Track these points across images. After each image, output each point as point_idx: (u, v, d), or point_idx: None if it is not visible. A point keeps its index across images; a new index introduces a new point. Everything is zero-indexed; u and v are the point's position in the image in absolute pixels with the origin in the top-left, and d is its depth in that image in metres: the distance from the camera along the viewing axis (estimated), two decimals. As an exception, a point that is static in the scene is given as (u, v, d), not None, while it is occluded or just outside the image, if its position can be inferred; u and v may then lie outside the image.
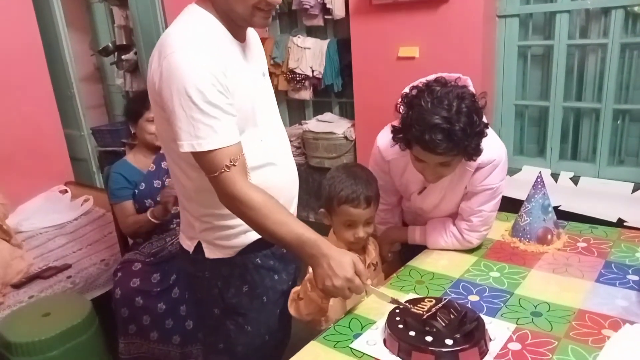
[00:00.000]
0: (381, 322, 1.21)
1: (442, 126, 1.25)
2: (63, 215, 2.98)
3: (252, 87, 1.25)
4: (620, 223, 2.03)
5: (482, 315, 1.16)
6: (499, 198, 1.55)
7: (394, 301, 1.20)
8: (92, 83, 5.01)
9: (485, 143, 1.35)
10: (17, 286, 2.22)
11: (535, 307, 1.25)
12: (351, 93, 3.15)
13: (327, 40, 3.29)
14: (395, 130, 1.40)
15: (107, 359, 2.12)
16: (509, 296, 1.31)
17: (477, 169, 1.47)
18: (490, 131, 1.38)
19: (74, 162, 3.47)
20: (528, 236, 1.60)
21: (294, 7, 3.29)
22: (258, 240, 1.30)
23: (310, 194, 3.40)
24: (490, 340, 1.12)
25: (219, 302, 1.38)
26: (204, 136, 1.10)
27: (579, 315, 1.20)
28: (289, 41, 3.40)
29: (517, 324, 1.19)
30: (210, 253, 1.33)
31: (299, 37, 3.37)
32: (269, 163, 1.30)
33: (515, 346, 1.10)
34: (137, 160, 2.22)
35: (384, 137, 1.55)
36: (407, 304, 1.19)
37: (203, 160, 1.14)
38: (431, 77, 1.43)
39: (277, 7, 1.37)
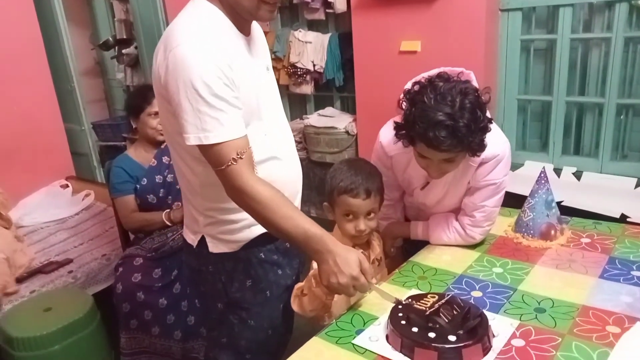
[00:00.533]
0: (384, 318, 1.20)
1: (446, 123, 1.24)
2: (64, 210, 2.98)
3: (257, 81, 1.25)
4: (623, 218, 2.03)
5: (485, 312, 1.15)
6: (502, 193, 1.54)
7: (397, 302, 1.19)
8: (92, 77, 5.00)
9: (488, 138, 1.34)
10: (19, 281, 2.22)
11: (539, 303, 1.24)
12: (352, 87, 3.14)
13: (329, 34, 3.27)
14: (398, 127, 1.39)
15: (109, 353, 2.12)
16: (512, 292, 1.31)
17: (481, 164, 1.46)
18: (493, 126, 1.37)
19: (74, 156, 3.46)
20: (531, 232, 1.59)
21: (295, 1, 3.28)
22: (262, 234, 1.30)
23: (312, 189, 3.39)
24: (494, 336, 1.11)
25: (223, 296, 1.38)
26: (210, 129, 1.10)
27: (582, 312, 1.19)
28: (290, 35, 3.39)
29: (520, 320, 1.18)
30: (214, 247, 1.32)
31: (300, 31, 3.36)
32: (273, 157, 1.30)
33: (518, 342, 1.10)
34: (138, 155, 2.21)
35: (387, 133, 1.53)
36: (410, 301, 1.18)
37: (210, 153, 1.13)
38: (433, 71, 1.42)
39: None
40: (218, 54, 1.10)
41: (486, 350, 1.06)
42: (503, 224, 1.71)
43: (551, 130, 2.63)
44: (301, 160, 1.54)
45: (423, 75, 1.42)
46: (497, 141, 1.44)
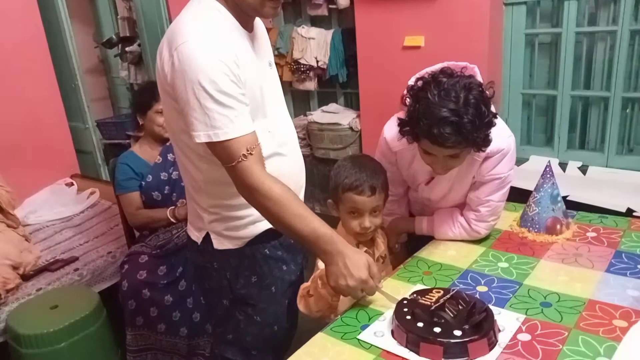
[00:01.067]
0: (389, 313, 1.20)
1: (451, 119, 1.23)
2: (69, 208, 2.99)
3: (261, 78, 1.25)
4: (629, 213, 2.02)
5: (490, 306, 1.15)
6: (507, 188, 1.53)
7: None
8: (96, 75, 5.01)
9: (493, 132, 1.33)
10: (26, 279, 2.23)
11: (545, 298, 1.24)
12: (356, 83, 3.13)
13: (332, 30, 3.27)
14: (402, 124, 1.38)
15: (115, 350, 2.13)
16: (517, 287, 1.30)
17: (486, 158, 1.45)
18: (498, 120, 1.36)
19: (79, 154, 3.47)
20: (537, 226, 1.58)
21: (298, -3, 3.27)
22: (266, 231, 1.30)
23: (316, 186, 3.39)
24: (500, 331, 1.11)
25: (228, 292, 1.38)
26: (220, 126, 1.10)
27: (589, 306, 1.19)
28: (293, 31, 3.38)
29: (526, 314, 1.18)
30: (218, 244, 1.32)
31: (303, 27, 3.35)
32: (277, 153, 1.30)
33: (524, 337, 1.09)
34: (144, 152, 2.21)
35: (391, 128, 1.52)
36: (416, 296, 1.18)
37: (219, 150, 1.13)
38: (437, 66, 1.41)
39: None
40: (224, 51, 1.09)
41: (492, 344, 1.06)
42: (508, 219, 1.70)
43: (556, 125, 2.62)
44: (305, 156, 1.54)
45: (427, 71, 1.41)
46: (501, 135, 1.43)
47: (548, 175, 1.60)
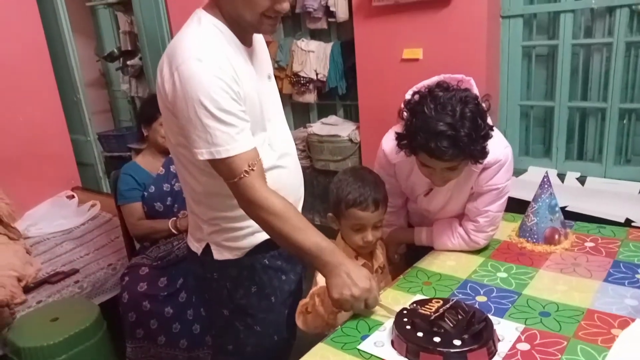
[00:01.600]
0: (389, 323, 1.20)
1: (448, 133, 1.24)
2: (70, 221, 3.00)
3: (261, 93, 1.26)
4: (628, 223, 2.02)
5: (490, 316, 1.15)
6: (505, 198, 1.55)
7: None
8: (97, 89, 5.04)
9: (490, 144, 1.34)
10: (26, 291, 2.23)
11: (544, 307, 1.25)
12: (355, 95, 3.15)
13: (331, 43, 3.30)
14: (399, 138, 1.39)
15: (115, 363, 2.13)
16: (516, 296, 1.31)
17: (483, 169, 1.47)
18: (495, 131, 1.38)
19: (80, 167, 3.48)
20: (535, 236, 1.59)
21: (297, 11, 3.30)
22: (265, 241, 1.31)
23: (316, 197, 3.40)
24: (499, 340, 1.11)
25: (228, 303, 1.39)
26: (222, 143, 1.12)
27: (587, 315, 1.19)
28: (292, 44, 3.41)
29: (525, 324, 1.18)
30: (218, 255, 1.33)
31: (302, 41, 3.38)
32: (277, 166, 1.31)
33: (524, 346, 1.10)
34: (147, 163, 2.23)
35: (389, 141, 1.54)
36: (415, 305, 1.19)
37: (222, 167, 1.15)
38: (433, 79, 1.43)
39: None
40: (223, 69, 1.12)
41: (491, 354, 1.06)
42: (507, 229, 1.71)
43: (554, 136, 2.63)
44: (304, 168, 1.56)
45: (423, 84, 1.42)
46: (498, 146, 1.44)
47: (546, 186, 1.61)
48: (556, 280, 1.38)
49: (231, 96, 1.12)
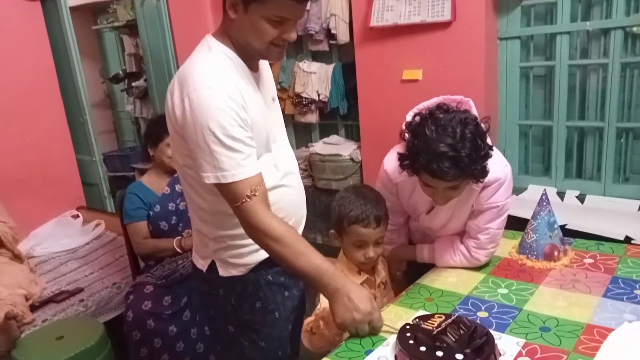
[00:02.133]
0: (392, 338, 1.23)
1: (449, 154, 1.28)
2: (75, 240, 3.01)
3: (266, 117, 1.31)
4: (627, 241, 2.04)
5: (491, 331, 1.17)
6: (505, 215, 1.58)
7: None
8: (102, 109, 5.10)
9: (490, 163, 1.38)
10: (31, 310, 2.24)
11: (544, 323, 1.27)
12: (357, 116, 3.20)
13: (332, 65, 3.36)
14: (402, 158, 1.43)
15: (119, 382, 2.13)
16: (517, 312, 1.33)
17: (483, 187, 1.50)
18: (494, 151, 1.41)
19: (85, 187, 3.51)
20: (535, 253, 1.62)
21: (299, 33, 3.37)
22: (269, 257, 1.33)
23: (318, 216, 3.42)
24: (500, 355, 1.13)
25: (233, 319, 1.41)
26: (228, 168, 1.16)
27: (587, 330, 1.21)
28: (295, 66, 3.47)
29: (526, 339, 1.20)
30: (223, 271, 1.36)
31: (304, 62, 3.45)
32: (280, 185, 1.35)
33: (525, 361, 1.12)
34: (152, 182, 2.27)
35: (391, 161, 1.57)
36: (418, 321, 1.20)
37: (226, 190, 1.20)
38: (432, 100, 1.47)
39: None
40: (233, 97, 1.17)
41: (493, 368, 1.08)
42: (507, 246, 1.74)
43: (553, 155, 2.67)
44: (307, 187, 1.59)
45: (423, 105, 1.46)
46: (498, 165, 1.48)
47: (544, 203, 1.64)
48: (556, 296, 1.41)
49: (239, 123, 1.17)
